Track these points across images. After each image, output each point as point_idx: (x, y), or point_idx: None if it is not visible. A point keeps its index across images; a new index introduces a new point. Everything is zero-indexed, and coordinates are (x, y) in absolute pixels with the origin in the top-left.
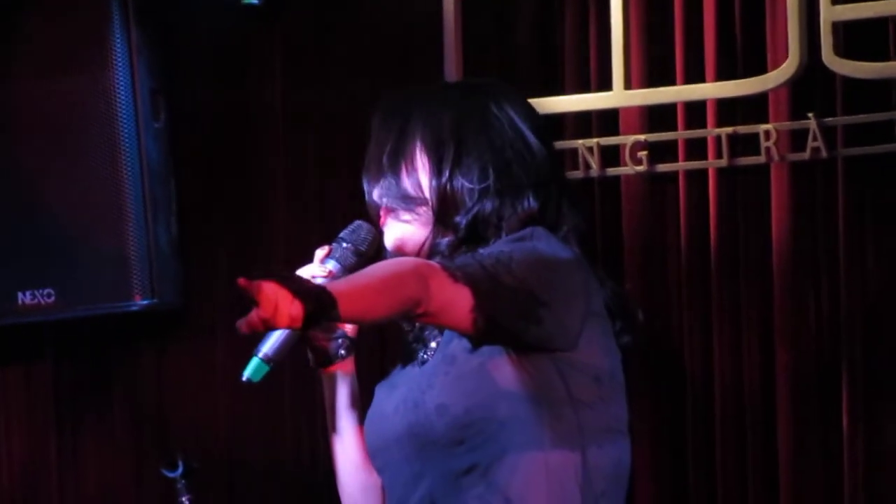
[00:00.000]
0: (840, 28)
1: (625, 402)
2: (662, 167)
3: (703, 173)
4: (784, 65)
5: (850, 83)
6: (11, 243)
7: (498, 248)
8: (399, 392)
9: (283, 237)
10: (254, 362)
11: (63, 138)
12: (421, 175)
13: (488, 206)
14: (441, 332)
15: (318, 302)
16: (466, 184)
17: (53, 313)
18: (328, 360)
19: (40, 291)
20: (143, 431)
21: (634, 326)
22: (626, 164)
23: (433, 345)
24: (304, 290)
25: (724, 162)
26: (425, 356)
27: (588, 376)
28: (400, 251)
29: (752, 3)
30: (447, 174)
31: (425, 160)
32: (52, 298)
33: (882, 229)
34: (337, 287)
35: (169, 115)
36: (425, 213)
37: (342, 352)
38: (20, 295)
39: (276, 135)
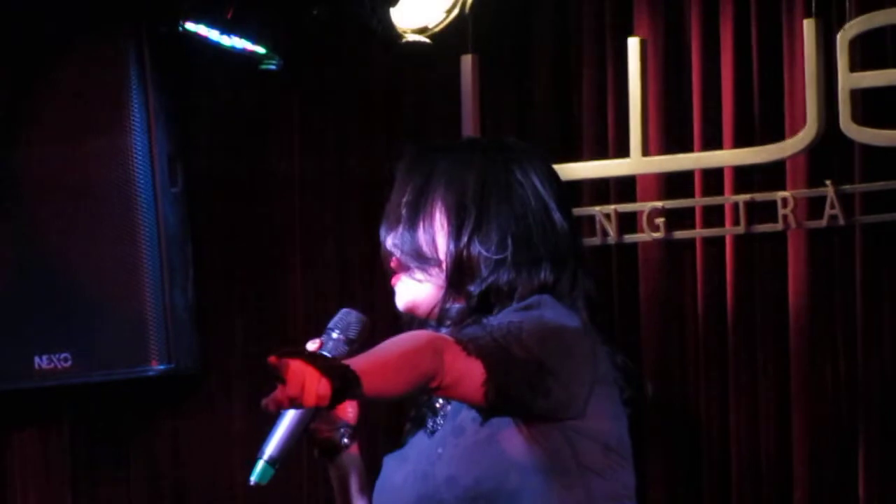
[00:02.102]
0: (858, 95)
1: (632, 468)
2: (680, 234)
3: (720, 240)
4: (802, 132)
5: (868, 150)
6: (28, 307)
7: (507, 317)
8: (409, 463)
9: (300, 304)
10: (260, 466)
11: (80, 203)
12: (438, 235)
13: (504, 277)
14: (449, 401)
15: (343, 380)
16: (484, 252)
17: (70, 378)
18: (334, 450)
19: (57, 356)
20: (159, 497)
21: (642, 399)
22: (643, 231)
23: (443, 413)
24: (331, 369)
25: (741, 229)
26: (435, 426)
27: (597, 444)
28: (411, 312)
29: (770, 70)
30: (465, 240)
31: (444, 221)
32: (69, 363)
33: None
34: (358, 364)
35: (186, 180)
36: (438, 275)
37: (346, 440)
38: (37, 359)
39: (293, 200)
